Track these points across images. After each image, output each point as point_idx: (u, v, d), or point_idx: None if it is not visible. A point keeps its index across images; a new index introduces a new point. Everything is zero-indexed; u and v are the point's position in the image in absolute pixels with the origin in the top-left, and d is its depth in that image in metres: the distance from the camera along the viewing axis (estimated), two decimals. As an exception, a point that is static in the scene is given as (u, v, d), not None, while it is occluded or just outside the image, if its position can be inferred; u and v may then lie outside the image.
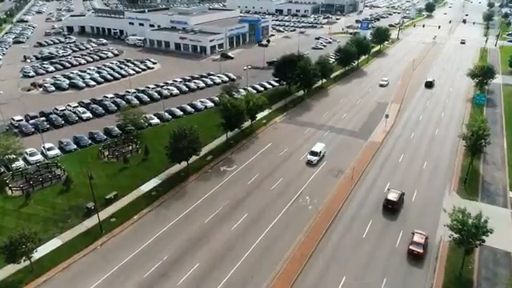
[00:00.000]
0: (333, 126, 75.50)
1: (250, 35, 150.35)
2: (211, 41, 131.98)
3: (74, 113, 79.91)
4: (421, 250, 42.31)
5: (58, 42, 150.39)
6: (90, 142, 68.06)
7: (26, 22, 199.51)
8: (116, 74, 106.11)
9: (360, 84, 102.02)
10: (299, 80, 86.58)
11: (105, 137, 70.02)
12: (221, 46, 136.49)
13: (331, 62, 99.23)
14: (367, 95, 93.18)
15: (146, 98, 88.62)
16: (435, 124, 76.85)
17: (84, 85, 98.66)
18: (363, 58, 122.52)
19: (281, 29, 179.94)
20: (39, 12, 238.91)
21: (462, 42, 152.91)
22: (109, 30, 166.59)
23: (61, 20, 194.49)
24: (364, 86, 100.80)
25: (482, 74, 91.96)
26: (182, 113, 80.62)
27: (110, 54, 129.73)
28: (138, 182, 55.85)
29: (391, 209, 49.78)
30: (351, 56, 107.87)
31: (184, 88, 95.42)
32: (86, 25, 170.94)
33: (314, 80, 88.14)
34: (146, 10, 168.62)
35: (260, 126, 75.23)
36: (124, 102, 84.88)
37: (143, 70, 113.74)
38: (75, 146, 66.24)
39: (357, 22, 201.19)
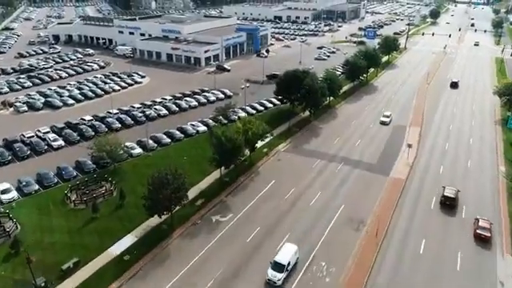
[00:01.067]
0: (346, 157, 63.74)
1: (248, 45, 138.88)
2: (206, 52, 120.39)
3: (44, 140, 67.95)
4: (488, 234, 44.14)
5: (41, 52, 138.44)
6: (56, 180, 56.04)
7: (12, 29, 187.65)
8: (98, 91, 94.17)
9: (372, 102, 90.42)
10: (305, 100, 74.88)
11: (75, 173, 57.99)
12: (216, 57, 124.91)
13: (340, 78, 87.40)
14: (380, 116, 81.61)
15: (129, 120, 76.78)
16: (465, 154, 65.18)
17: (61, 104, 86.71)
18: (372, 70, 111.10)
19: (280, 37, 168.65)
20: (28, 19, 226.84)
21: (476, 44, 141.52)
22: (97, 39, 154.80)
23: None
24: (376, 104, 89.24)
25: (511, 93, 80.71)
26: (169, 140, 68.70)
27: (95, 67, 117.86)
28: (108, 240, 43.86)
29: (449, 206, 50.08)
30: (360, 70, 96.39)
31: (173, 108, 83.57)
32: (73, 33, 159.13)
33: (321, 100, 76.43)
34: (137, 18, 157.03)
35: (260, 156, 63.46)
36: (104, 126, 73.09)
37: (130, 85, 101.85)
38: (37, 187, 54.18)
39: (360, 29, 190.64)
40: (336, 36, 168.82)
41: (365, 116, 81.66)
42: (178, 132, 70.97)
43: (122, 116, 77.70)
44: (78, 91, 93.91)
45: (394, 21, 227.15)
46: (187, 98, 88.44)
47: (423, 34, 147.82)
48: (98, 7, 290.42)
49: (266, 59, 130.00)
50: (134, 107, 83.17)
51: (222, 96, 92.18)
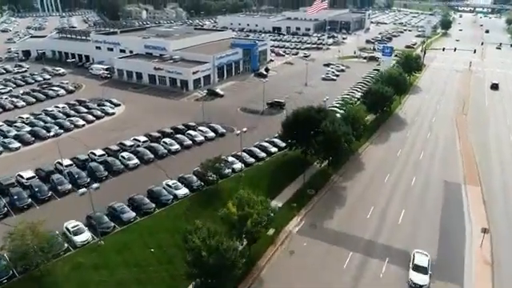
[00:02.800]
0: (390, 247, 42.87)
1: (245, 62, 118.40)
2: (194, 73, 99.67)
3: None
4: None
5: (4, 71, 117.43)
6: None
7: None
8: (55, 128, 73.16)
9: (404, 143, 69.63)
10: (324, 150, 54.05)
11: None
12: (207, 78, 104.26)
13: (364, 114, 66.72)
14: (421, 166, 60.98)
15: (82, 176, 55.65)
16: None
17: (1, 149, 65.69)
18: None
19: (281, 51, 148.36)
20: (4, 31, 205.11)
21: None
22: (73, 55, 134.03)
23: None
24: (410, 147, 68.51)
25: None
26: (133, 214, 47.53)
27: (61, 92, 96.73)
28: None
29: None
30: (386, 99, 75.94)
31: (147, 154, 62.58)
32: (46, 49, 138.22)
33: (346, 150, 55.51)
34: (119, 31, 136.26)
35: (264, 247, 42.49)
36: (45, 187, 52.13)
37: (99, 117, 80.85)
38: None
39: (367, 42, 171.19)
40: (342, 50, 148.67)
41: (400, 167, 60.85)
42: (147, 200, 49.94)
43: (74, 171, 56.57)
44: (30, 128, 72.92)
45: (401, 32, 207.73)
46: (166, 140, 67.40)
47: (444, 50, 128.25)
48: (85, 17, 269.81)
49: (266, 79, 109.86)
50: (94, 154, 62.18)
51: (211, 135, 71.34)
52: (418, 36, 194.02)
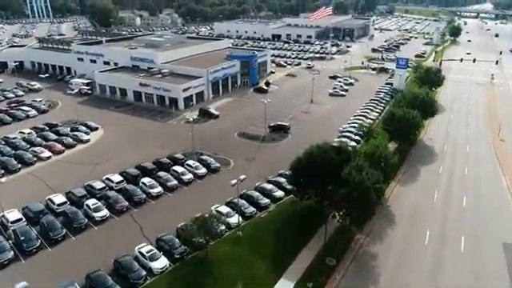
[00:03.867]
0: None
1: (243, 75, 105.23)
2: (185, 90, 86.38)
3: None
4: None
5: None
6: None
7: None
8: (13, 162, 59.60)
9: (438, 182, 56.10)
10: (348, 205, 40.44)
11: None
12: (200, 95, 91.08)
13: (392, 153, 53.09)
14: (467, 218, 47.60)
15: (31, 238, 42.09)
16: None
17: None
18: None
19: (282, 62, 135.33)
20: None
21: None
22: (53, 67, 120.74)
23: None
24: (447, 187, 55.16)
25: None
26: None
27: (32, 112, 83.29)
28: None
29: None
30: (413, 128, 62.58)
31: (120, 202, 49.03)
32: (25, 60, 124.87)
33: (376, 204, 41.90)
34: (104, 41, 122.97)
35: None
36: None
37: (69, 146, 67.34)
38: None
39: (373, 50, 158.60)
40: (348, 59, 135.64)
41: (441, 219, 47.39)
42: (109, 280, 36.28)
43: (22, 230, 42.91)
44: (-18, 163, 59.45)
45: (408, 39, 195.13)
46: (146, 181, 53.85)
47: (461, 61, 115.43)
48: (76, 24, 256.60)
49: (267, 94, 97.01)
50: (53, 202, 48.63)
51: (202, 171, 57.88)
52: (427, 44, 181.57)
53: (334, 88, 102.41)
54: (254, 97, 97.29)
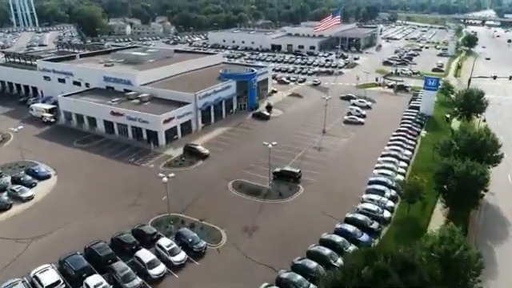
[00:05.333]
0: None
1: (240, 97, 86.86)
2: (167, 121, 67.76)
3: None
4: None
5: None
6: None
7: None
8: None
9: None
10: None
11: None
12: (187, 125, 72.65)
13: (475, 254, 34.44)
14: None
15: None
16: None
17: None
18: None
19: (284, 78, 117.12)
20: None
21: None
22: (18, 86, 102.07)
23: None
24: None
25: None
26: None
27: (-30, 151, 64.67)
28: None
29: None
30: (480, 187, 43.94)
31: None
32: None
33: None
34: (78, 55, 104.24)
35: None
36: None
37: (4, 207, 48.59)
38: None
39: (385, 63, 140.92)
40: (359, 74, 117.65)
41: None
42: None
43: None
44: None
45: (419, 50, 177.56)
46: (92, 283, 35.04)
47: (495, 78, 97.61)
48: (61, 33, 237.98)
49: (269, 122, 79.12)
50: None
51: (179, 258, 39.19)
52: (441, 55, 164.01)
53: (349, 113, 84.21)
54: (254, 125, 79.12)
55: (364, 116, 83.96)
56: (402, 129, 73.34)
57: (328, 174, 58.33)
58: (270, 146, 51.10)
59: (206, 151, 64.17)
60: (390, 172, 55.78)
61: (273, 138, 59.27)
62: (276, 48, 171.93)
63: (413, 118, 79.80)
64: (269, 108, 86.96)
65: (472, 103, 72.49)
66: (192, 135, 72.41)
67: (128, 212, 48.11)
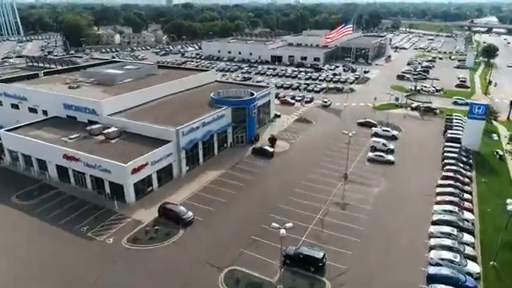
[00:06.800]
0: None
1: (235, 129, 68.42)
2: (136, 170, 49.15)
3: None
4: None
5: None
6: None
7: None
8: None
9: None
10: None
11: None
12: (167, 171, 54.17)
13: None
14: None
15: None
16: None
17: None
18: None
19: (288, 98, 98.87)
20: None
21: None
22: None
23: None
24: None
25: None
26: None
27: None
28: None
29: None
30: None
31: None
32: None
33: None
34: (42, 73, 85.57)
35: None
36: None
37: None
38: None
39: (398, 77, 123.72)
40: (375, 93, 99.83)
41: None
42: None
43: None
44: None
45: (432, 61, 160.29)
46: None
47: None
48: (46, 42, 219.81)
49: (273, 165, 60.80)
50: None
51: None
52: (458, 67, 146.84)
53: (374, 147, 66.12)
54: (254, 167, 60.77)
55: (392, 151, 65.87)
56: (449, 175, 55.08)
57: (364, 254, 40.10)
58: (283, 231, 32.51)
59: (190, 215, 45.71)
60: (453, 256, 37.56)
61: (279, 188, 41.55)
62: (276, 60, 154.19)
63: (456, 155, 61.69)
64: (272, 141, 68.64)
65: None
66: (173, 183, 54.08)
67: None
